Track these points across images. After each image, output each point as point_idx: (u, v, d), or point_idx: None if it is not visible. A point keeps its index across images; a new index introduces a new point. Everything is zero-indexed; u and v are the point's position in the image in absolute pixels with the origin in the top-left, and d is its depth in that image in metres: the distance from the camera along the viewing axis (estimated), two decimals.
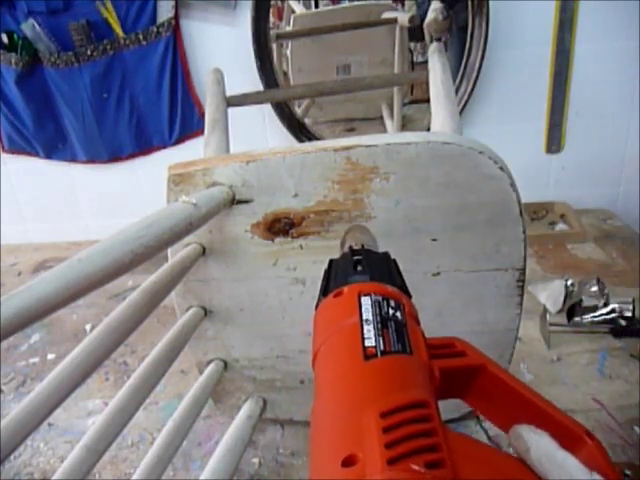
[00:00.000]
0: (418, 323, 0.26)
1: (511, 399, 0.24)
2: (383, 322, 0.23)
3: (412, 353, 0.22)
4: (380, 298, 0.25)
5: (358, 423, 0.18)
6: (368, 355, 0.21)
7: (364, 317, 0.24)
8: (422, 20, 0.94)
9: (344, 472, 0.17)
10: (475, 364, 0.24)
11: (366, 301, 0.25)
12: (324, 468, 0.18)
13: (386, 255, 0.31)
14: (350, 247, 0.33)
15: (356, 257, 0.30)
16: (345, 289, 0.26)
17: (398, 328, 0.23)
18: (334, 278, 0.29)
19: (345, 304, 0.25)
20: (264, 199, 0.48)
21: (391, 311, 0.24)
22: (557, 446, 0.20)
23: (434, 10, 0.82)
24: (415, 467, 0.16)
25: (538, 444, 0.21)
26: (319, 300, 0.28)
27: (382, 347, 0.22)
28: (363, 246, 0.33)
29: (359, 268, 0.29)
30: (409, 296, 0.28)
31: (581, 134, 1.06)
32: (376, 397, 0.19)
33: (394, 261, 0.31)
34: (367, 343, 0.22)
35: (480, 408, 0.25)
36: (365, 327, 0.23)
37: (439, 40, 0.78)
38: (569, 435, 0.22)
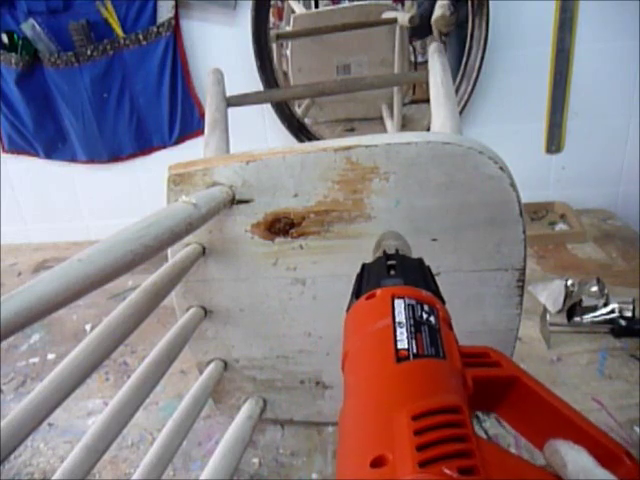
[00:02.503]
0: (451, 329, 0.25)
1: (546, 414, 0.23)
2: (416, 326, 0.23)
3: (445, 358, 0.22)
4: (414, 302, 0.24)
5: (388, 424, 0.18)
6: (400, 357, 0.21)
7: (397, 320, 0.23)
8: (421, 18, 0.95)
9: (373, 472, 0.16)
10: (509, 375, 0.24)
11: (399, 304, 0.24)
12: (352, 468, 0.18)
13: (420, 261, 0.31)
14: (384, 251, 0.32)
15: (390, 262, 0.30)
16: (378, 292, 0.26)
17: (431, 332, 0.23)
18: (367, 281, 0.28)
19: (378, 307, 0.25)
20: (264, 199, 0.48)
21: (425, 315, 0.24)
22: (595, 463, 0.20)
23: (442, 6, 0.83)
24: (447, 471, 0.16)
25: (576, 460, 0.20)
26: (351, 302, 0.28)
27: (415, 350, 0.21)
28: (397, 251, 0.33)
29: (392, 272, 0.28)
30: (443, 302, 0.27)
31: (581, 134, 1.06)
32: (408, 399, 0.19)
33: (428, 267, 0.30)
34: (399, 345, 0.22)
35: (513, 422, 0.25)
36: (398, 330, 0.23)
37: (447, 35, 0.79)
38: (606, 453, 0.21)
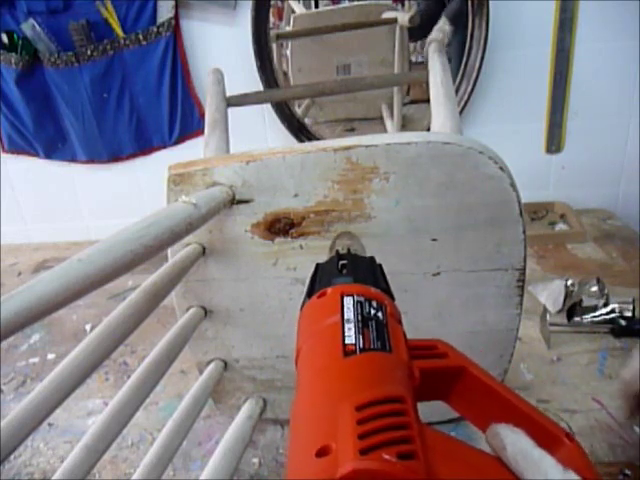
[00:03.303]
0: (400, 324, 0.26)
1: (491, 401, 0.24)
2: (364, 321, 0.24)
3: (391, 351, 0.23)
4: (362, 299, 0.26)
5: (334, 416, 0.19)
6: (347, 352, 0.22)
7: (345, 316, 0.24)
8: (421, 18, 0.94)
9: (317, 462, 0.17)
10: (455, 366, 0.25)
11: (348, 301, 0.25)
12: (300, 459, 0.18)
13: (371, 259, 0.32)
14: (337, 251, 0.34)
15: (342, 261, 0.31)
16: (329, 290, 0.27)
17: (379, 328, 0.24)
18: (319, 280, 0.30)
19: (328, 304, 0.26)
20: (264, 199, 0.48)
21: (372, 311, 0.25)
22: (533, 444, 0.20)
23: (440, 30, 0.82)
24: (387, 457, 0.16)
25: (514, 442, 0.21)
26: (304, 301, 0.29)
27: (362, 345, 0.22)
28: (349, 250, 0.34)
29: (344, 271, 0.30)
30: (392, 298, 0.28)
31: (581, 134, 1.06)
32: (353, 391, 0.20)
33: (379, 265, 0.32)
34: (347, 341, 0.23)
35: (462, 410, 0.26)
36: (346, 326, 0.24)
37: (449, 46, 0.79)
38: (548, 436, 0.22)
